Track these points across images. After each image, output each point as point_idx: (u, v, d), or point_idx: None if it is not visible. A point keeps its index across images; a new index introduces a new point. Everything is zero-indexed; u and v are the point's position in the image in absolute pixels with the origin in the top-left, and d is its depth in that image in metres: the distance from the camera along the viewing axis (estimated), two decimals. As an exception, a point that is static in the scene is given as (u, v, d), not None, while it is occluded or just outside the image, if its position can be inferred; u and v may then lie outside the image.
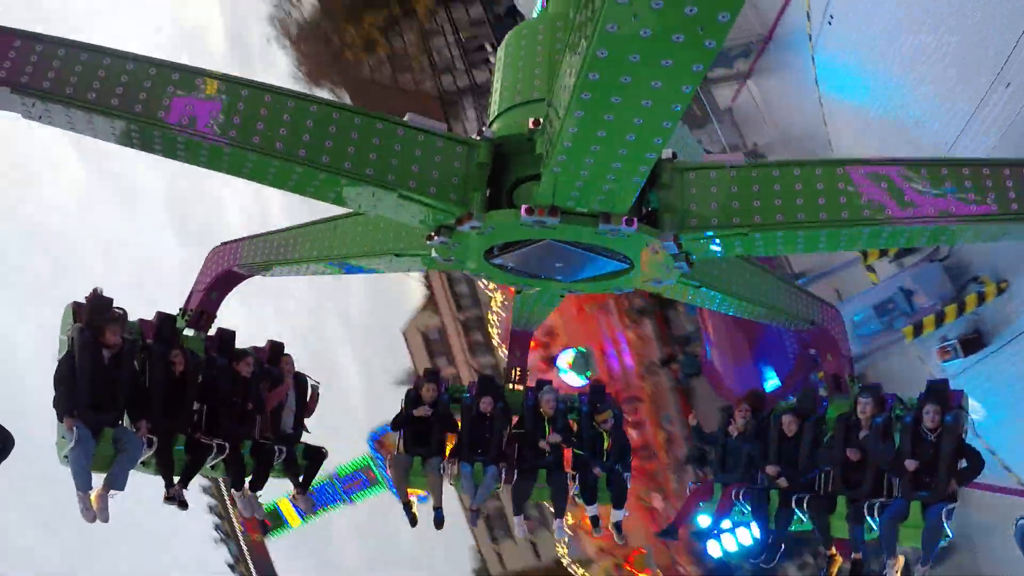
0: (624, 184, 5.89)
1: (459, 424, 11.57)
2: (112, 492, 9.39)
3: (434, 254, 7.21)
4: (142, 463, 9.85)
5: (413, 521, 11.60)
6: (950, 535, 9.80)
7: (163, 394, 10.05)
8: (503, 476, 11.43)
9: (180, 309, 11.19)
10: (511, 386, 12.22)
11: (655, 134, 5.13)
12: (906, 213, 6.76)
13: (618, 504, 11.51)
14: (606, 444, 11.48)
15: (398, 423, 11.60)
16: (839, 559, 10.85)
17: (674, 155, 6.88)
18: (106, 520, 9.45)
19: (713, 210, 6.80)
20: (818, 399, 11.63)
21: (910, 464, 9.90)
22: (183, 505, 10.42)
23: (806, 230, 6.86)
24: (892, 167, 6.85)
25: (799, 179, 6.83)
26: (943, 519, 9.64)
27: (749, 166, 6.96)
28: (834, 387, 11.70)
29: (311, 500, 11.30)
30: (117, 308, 10.00)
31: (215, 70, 6.41)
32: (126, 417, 9.75)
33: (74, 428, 9.06)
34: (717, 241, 6.98)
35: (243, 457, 10.60)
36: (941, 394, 10.31)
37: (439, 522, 11.46)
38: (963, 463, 10.02)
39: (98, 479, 9.33)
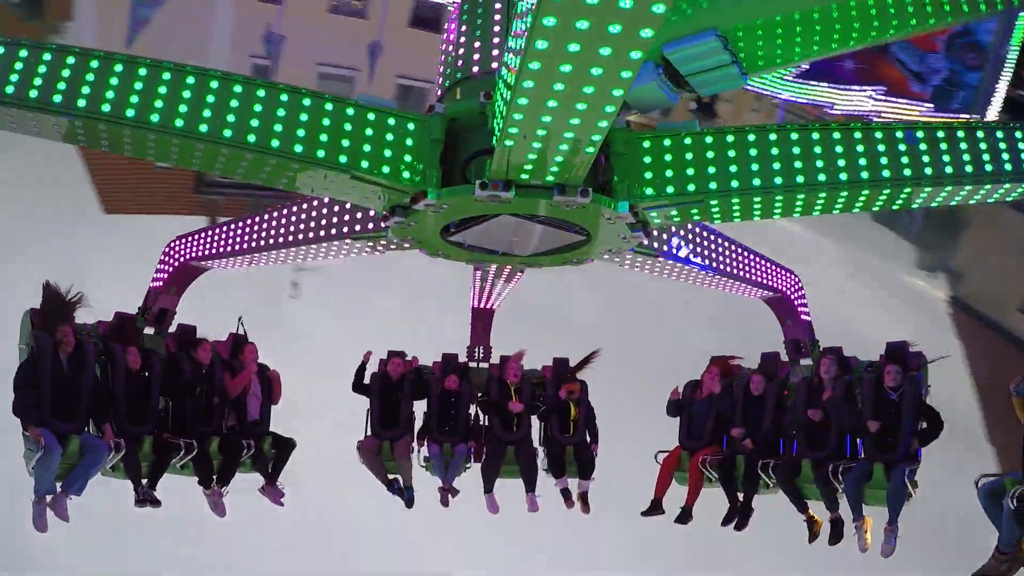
0: (577, 154, 5.87)
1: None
2: (70, 496, 9.30)
3: (390, 235, 7.17)
4: (110, 468, 9.71)
5: (406, 498, 11.55)
6: (913, 495, 9.97)
7: (126, 396, 9.95)
8: (472, 454, 11.45)
9: (139, 308, 11.04)
10: (475, 364, 12.25)
11: (606, 102, 5.10)
12: (863, 175, 6.81)
13: (584, 475, 11.54)
14: (572, 415, 11.51)
15: (358, 384, 11.54)
16: (819, 520, 10.96)
17: (628, 124, 6.87)
18: (66, 520, 9.35)
19: (668, 178, 6.79)
20: (780, 365, 11.72)
21: (872, 425, 10.00)
22: (156, 503, 10.32)
23: (762, 196, 6.88)
24: (853, 131, 6.89)
25: (754, 144, 6.84)
26: (906, 479, 9.81)
27: (704, 132, 6.97)
28: (794, 352, 11.80)
29: (280, 491, 11.19)
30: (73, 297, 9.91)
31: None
32: (91, 423, 9.62)
33: (41, 438, 8.94)
34: (673, 209, 6.98)
35: (210, 455, 10.49)
36: (901, 355, 10.46)
37: (411, 501, 11.44)
38: (923, 424, 10.16)
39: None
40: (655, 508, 11.51)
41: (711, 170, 6.81)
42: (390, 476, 11.48)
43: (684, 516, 11.44)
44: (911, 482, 9.86)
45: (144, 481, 10.02)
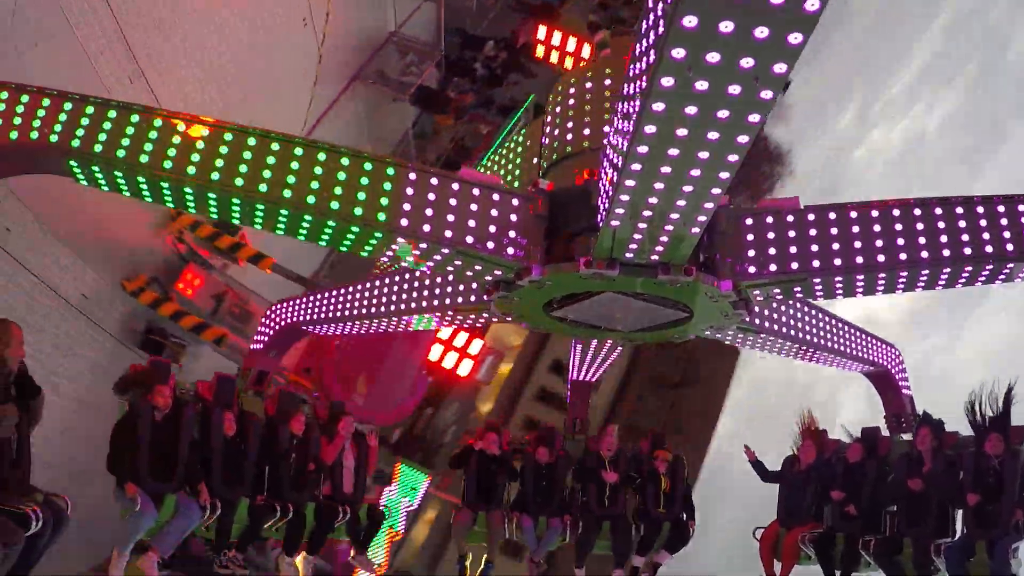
0: (682, 235, 5.90)
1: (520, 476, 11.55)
2: (160, 556, 9.38)
3: (493, 308, 7.24)
4: (204, 528, 9.88)
5: (466, 573, 11.53)
6: (1016, 573, 9.64)
7: (223, 458, 10.11)
8: (567, 529, 11.37)
9: (239, 369, 11.26)
10: (572, 436, 12.19)
11: (712, 185, 5.14)
12: (966, 252, 6.71)
13: (672, 550, 11.39)
14: (664, 486, 11.38)
15: (457, 460, 11.58)
16: None
17: (730, 202, 6.88)
18: None
19: (771, 256, 6.77)
20: (881, 439, 11.49)
21: (972, 497, 9.69)
22: (242, 570, 10.42)
23: (864, 273, 6.81)
24: (943, 205, 6.81)
25: (857, 222, 6.79)
26: (1009, 555, 9.49)
27: (805, 209, 6.94)
28: (896, 425, 11.60)
29: (371, 561, 11.25)
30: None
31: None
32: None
33: (137, 496, 9.06)
34: (776, 287, 6.95)
35: (305, 519, 10.60)
36: (1003, 425, 10.19)
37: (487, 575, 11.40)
38: None
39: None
40: None
41: (814, 248, 6.77)
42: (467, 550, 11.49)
43: None
44: (1015, 559, 9.57)
45: (235, 543, 10.17)
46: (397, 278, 8.96)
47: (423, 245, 6.49)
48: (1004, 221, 6.75)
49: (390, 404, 18.81)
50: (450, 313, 8.46)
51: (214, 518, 9.75)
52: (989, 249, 6.69)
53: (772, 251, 6.78)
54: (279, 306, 11.20)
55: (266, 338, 11.35)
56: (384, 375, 18.21)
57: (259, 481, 10.49)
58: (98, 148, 6.22)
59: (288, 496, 10.44)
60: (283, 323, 11.06)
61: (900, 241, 6.75)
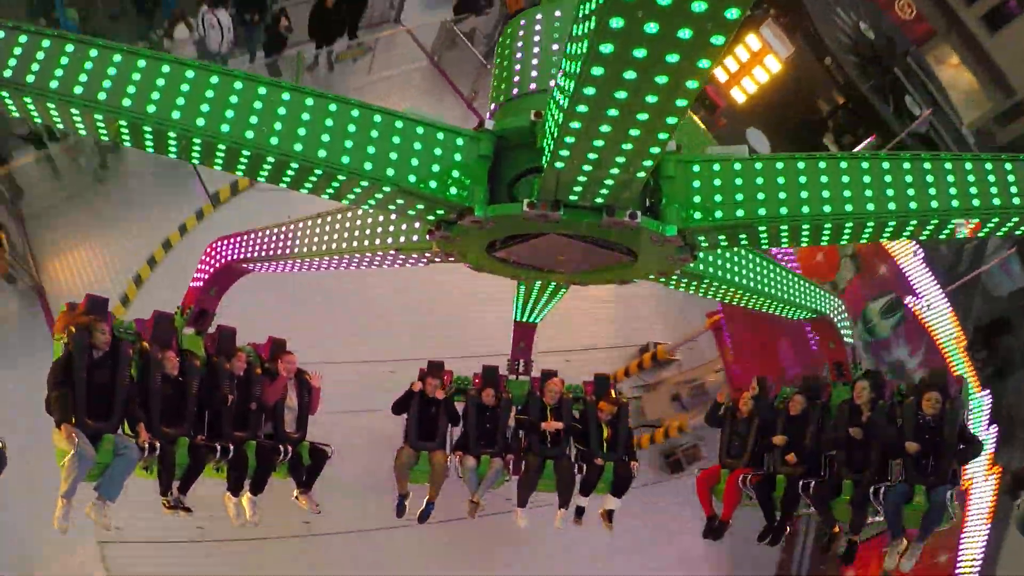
0: (628, 178, 5.81)
1: (463, 416, 11.58)
2: (107, 502, 9.28)
3: (435, 248, 7.15)
4: (144, 467, 9.72)
5: (401, 512, 11.60)
6: (953, 516, 10.00)
7: (162, 397, 9.95)
8: (510, 469, 11.45)
9: (178, 307, 11.07)
10: (515, 377, 12.19)
11: (660, 130, 5.04)
12: (910, 206, 6.69)
13: (618, 493, 11.52)
14: (605, 434, 11.48)
15: (400, 406, 11.57)
16: (840, 532, 11.04)
17: (678, 147, 6.80)
18: (108, 528, 9.35)
19: (717, 203, 6.71)
20: (822, 386, 11.72)
21: (911, 447, 10.12)
22: (187, 511, 10.33)
23: (811, 223, 6.78)
24: (902, 160, 6.77)
25: (803, 172, 6.75)
26: (947, 501, 9.84)
27: (754, 158, 6.88)
28: (837, 374, 11.83)
29: (314, 501, 11.22)
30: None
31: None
32: (125, 424, 9.60)
33: (74, 437, 8.90)
34: (721, 234, 6.91)
35: (247, 460, 10.50)
36: (942, 382, 10.50)
37: (426, 517, 11.44)
38: (962, 447, 10.27)
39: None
40: (714, 526, 11.60)
41: (760, 196, 6.71)
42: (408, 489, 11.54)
43: (719, 530, 11.51)
44: (951, 504, 9.91)
45: (176, 485, 10.07)
46: (340, 216, 8.80)
47: (364, 183, 6.33)
48: (951, 178, 6.73)
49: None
50: (391, 253, 8.32)
51: (153, 458, 9.60)
52: (934, 204, 6.67)
53: (718, 198, 6.71)
54: (218, 243, 10.97)
55: (205, 276, 11.13)
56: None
57: (199, 421, 10.39)
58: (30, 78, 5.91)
59: (229, 436, 10.35)
60: (222, 261, 10.85)
61: (847, 193, 6.71)
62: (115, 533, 11.90)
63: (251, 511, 10.76)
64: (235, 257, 10.57)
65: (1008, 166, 6.71)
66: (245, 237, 10.41)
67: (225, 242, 10.82)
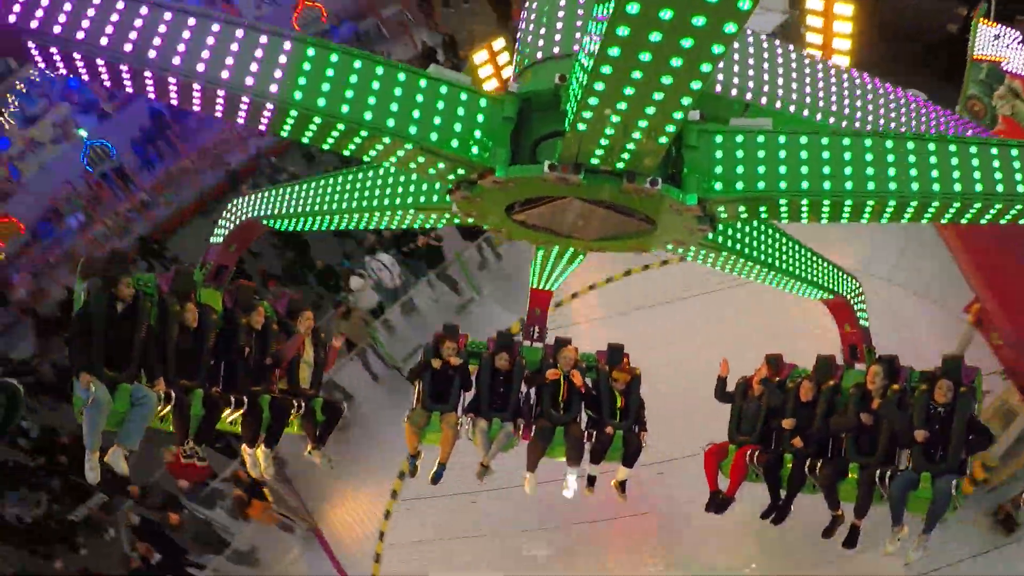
0: (650, 144, 5.81)
1: (476, 380, 11.63)
2: (126, 450, 9.45)
3: (455, 208, 7.16)
4: (160, 419, 9.87)
5: (413, 472, 11.71)
6: (957, 506, 10.02)
7: (179, 349, 10.05)
8: (520, 433, 11.49)
9: (198, 263, 11.17)
10: (529, 343, 12.21)
11: (683, 94, 5.04)
12: (934, 187, 6.67)
13: (628, 463, 11.56)
14: (618, 403, 11.51)
15: (415, 374, 11.64)
16: (843, 517, 11.05)
17: (702, 116, 6.78)
18: (126, 473, 9.49)
19: (739, 174, 6.70)
20: (835, 368, 11.69)
21: (920, 434, 10.13)
22: (202, 461, 10.47)
23: (832, 199, 6.76)
24: (926, 142, 6.74)
25: (827, 147, 6.72)
26: (952, 490, 9.85)
27: (777, 132, 6.86)
28: (851, 356, 11.80)
29: (327, 456, 11.34)
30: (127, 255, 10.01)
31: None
32: (143, 374, 9.73)
33: (91, 385, 9.05)
34: (741, 206, 6.90)
35: (261, 412, 10.60)
36: (955, 370, 10.46)
37: (438, 478, 11.53)
38: (971, 437, 10.28)
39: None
40: (717, 500, 11.66)
41: (782, 170, 6.70)
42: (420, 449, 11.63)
43: (722, 505, 11.56)
44: (957, 493, 9.92)
45: (191, 436, 10.19)
46: (360, 175, 8.82)
47: (386, 139, 6.35)
48: (975, 162, 6.70)
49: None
50: (411, 211, 8.34)
51: (168, 408, 9.71)
52: (957, 188, 6.64)
53: (740, 169, 6.70)
54: (238, 200, 11.03)
55: (225, 232, 11.20)
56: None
57: (215, 373, 10.51)
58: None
59: (244, 389, 10.47)
60: (243, 217, 10.90)
61: (869, 171, 6.68)
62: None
63: (265, 463, 10.90)
64: (255, 214, 10.61)
65: (1014, 151, 6.70)
66: (265, 194, 10.46)
67: (245, 199, 10.87)
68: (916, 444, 10.25)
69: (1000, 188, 6.63)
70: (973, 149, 6.73)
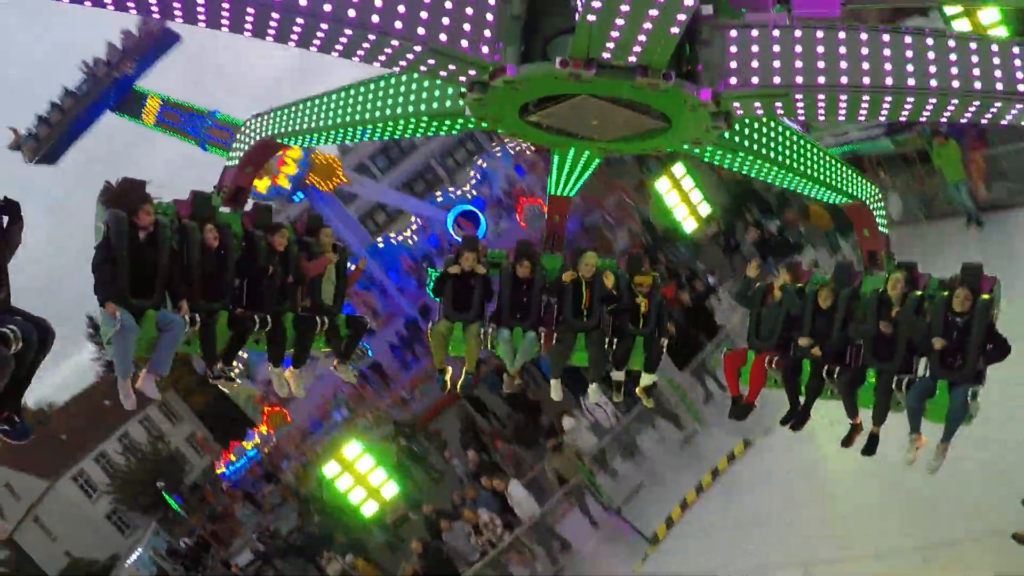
0: (661, 36, 5.75)
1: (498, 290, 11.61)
2: (157, 375, 9.59)
3: (468, 112, 7.12)
4: (186, 343, 9.93)
5: (445, 387, 11.76)
6: (974, 415, 10.01)
7: (202, 272, 10.11)
8: (542, 340, 11.49)
9: (215, 187, 11.15)
10: (550, 251, 12.18)
11: None
12: (954, 84, 6.57)
13: (650, 368, 11.60)
14: (643, 309, 11.51)
15: (438, 288, 11.64)
16: (861, 427, 11.08)
17: (715, 11, 6.68)
18: (158, 397, 9.65)
19: (754, 69, 6.62)
20: (853, 274, 11.64)
21: (938, 342, 10.09)
22: (231, 380, 10.59)
23: (849, 94, 6.68)
24: (946, 37, 6.62)
25: (844, 42, 6.62)
26: (968, 399, 9.84)
27: (792, 26, 6.76)
28: (870, 263, 11.72)
29: (353, 371, 11.42)
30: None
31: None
32: (167, 300, 9.79)
33: (117, 313, 9.07)
34: (757, 101, 6.83)
35: (286, 330, 10.70)
36: (974, 279, 10.36)
37: (467, 387, 11.60)
38: (990, 347, 10.20)
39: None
40: (739, 406, 11.72)
41: (798, 64, 6.62)
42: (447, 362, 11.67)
43: (743, 411, 11.62)
44: (974, 402, 9.92)
45: (220, 357, 10.31)
46: (372, 85, 8.75)
47: (395, 43, 6.29)
48: (996, 60, 6.58)
49: None
50: (425, 119, 8.29)
51: (195, 330, 9.83)
52: (978, 86, 6.54)
53: (755, 64, 6.61)
54: (252, 120, 10.94)
55: (241, 154, 11.15)
56: None
57: (239, 294, 10.59)
58: None
59: (268, 307, 10.55)
60: (257, 137, 10.84)
61: (887, 67, 6.59)
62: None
63: (295, 384, 11.03)
64: (270, 133, 10.55)
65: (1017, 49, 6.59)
66: (278, 113, 10.39)
67: (259, 118, 10.80)
68: (934, 352, 10.21)
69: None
70: (995, 47, 6.61)
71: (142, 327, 9.28)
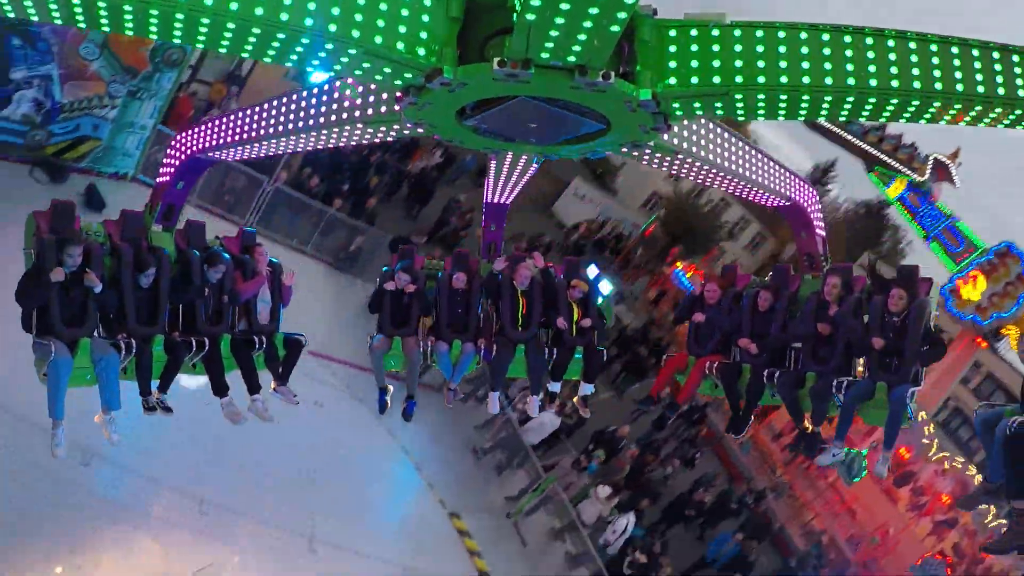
0: (600, 35, 5.66)
1: (435, 302, 11.49)
2: (111, 415, 9.42)
3: (403, 117, 6.99)
4: (123, 371, 9.70)
5: (383, 409, 11.59)
6: (912, 416, 10.08)
7: (136, 296, 9.86)
8: (481, 353, 11.41)
9: (146, 204, 10.89)
10: (487, 260, 12.09)
11: None
12: (893, 83, 6.56)
13: (589, 379, 11.55)
14: (576, 316, 11.47)
15: (374, 304, 11.49)
16: (809, 431, 11.16)
17: (655, 11, 6.62)
18: (117, 439, 9.39)
19: (693, 68, 6.57)
20: (791, 277, 11.72)
21: (876, 342, 10.17)
22: (167, 411, 10.31)
23: (788, 94, 6.65)
24: (886, 38, 6.62)
25: (783, 41, 6.60)
26: (907, 401, 9.91)
27: (732, 25, 6.72)
28: (807, 265, 11.79)
29: (291, 392, 11.20)
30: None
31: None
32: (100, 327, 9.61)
33: (51, 345, 8.90)
34: (696, 102, 6.78)
35: (221, 353, 10.45)
36: (910, 280, 10.47)
37: (409, 415, 11.46)
38: (925, 348, 10.26)
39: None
40: (648, 402, 11.82)
41: (738, 63, 6.57)
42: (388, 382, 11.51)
43: (650, 401, 11.79)
44: (911, 404, 9.99)
45: (157, 384, 10.05)
46: (305, 93, 8.58)
47: (329, 47, 6.13)
48: (935, 60, 6.59)
49: None
50: (359, 126, 8.12)
51: (131, 357, 9.56)
52: (917, 85, 6.53)
53: (695, 64, 6.56)
54: (181, 135, 10.71)
55: (172, 170, 10.89)
56: None
57: (174, 317, 10.37)
58: None
59: (204, 331, 10.33)
60: (187, 152, 10.59)
61: (827, 66, 6.57)
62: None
63: (259, 411, 10.78)
64: (201, 146, 10.32)
65: (975, 52, 6.59)
66: (209, 124, 10.16)
67: (190, 132, 10.56)
68: (872, 352, 10.30)
69: (938, 86, 6.51)
70: (934, 47, 6.62)
71: (75, 356, 9.03)
